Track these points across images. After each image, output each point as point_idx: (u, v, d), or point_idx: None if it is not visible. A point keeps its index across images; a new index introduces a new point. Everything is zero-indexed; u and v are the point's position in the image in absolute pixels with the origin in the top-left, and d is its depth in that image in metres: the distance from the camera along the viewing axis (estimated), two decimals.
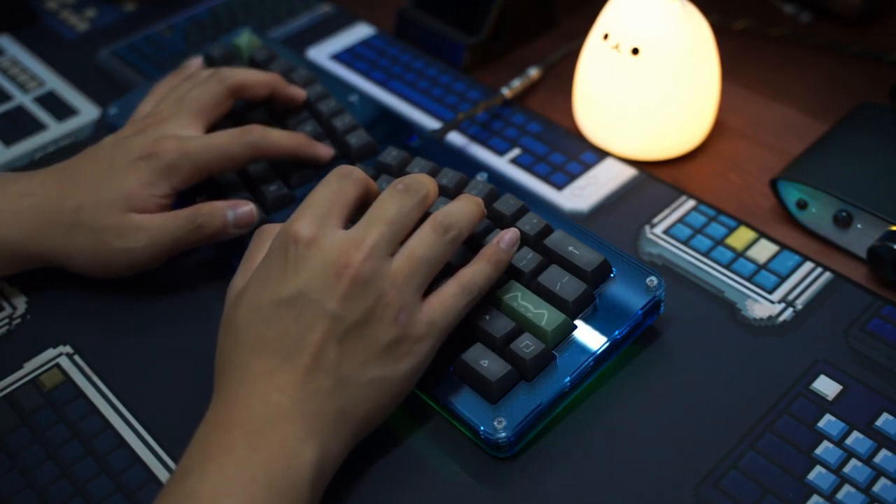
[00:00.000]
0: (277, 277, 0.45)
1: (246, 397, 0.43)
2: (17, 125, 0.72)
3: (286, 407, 0.43)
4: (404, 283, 0.45)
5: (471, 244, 0.52)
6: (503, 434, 0.46)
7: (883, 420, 0.48)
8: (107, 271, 0.56)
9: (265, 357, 0.44)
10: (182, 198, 0.57)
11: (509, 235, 0.50)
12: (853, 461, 0.47)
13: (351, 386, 0.44)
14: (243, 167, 0.58)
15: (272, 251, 0.46)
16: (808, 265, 0.57)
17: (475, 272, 0.48)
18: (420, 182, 0.48)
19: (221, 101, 0.59)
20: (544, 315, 0.49)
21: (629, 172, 0.64)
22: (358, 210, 0.48)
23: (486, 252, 0.49)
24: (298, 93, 0.63)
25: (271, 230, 0.50)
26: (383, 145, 0.63)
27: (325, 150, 0.61)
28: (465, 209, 0.49)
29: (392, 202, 0.47)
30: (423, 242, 0.46)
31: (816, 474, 0.46)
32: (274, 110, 0.64)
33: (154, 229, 0.54)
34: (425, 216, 0.49)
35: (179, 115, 0.57)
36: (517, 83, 0.70)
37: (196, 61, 0.67)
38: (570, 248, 0.52)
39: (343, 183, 0.48)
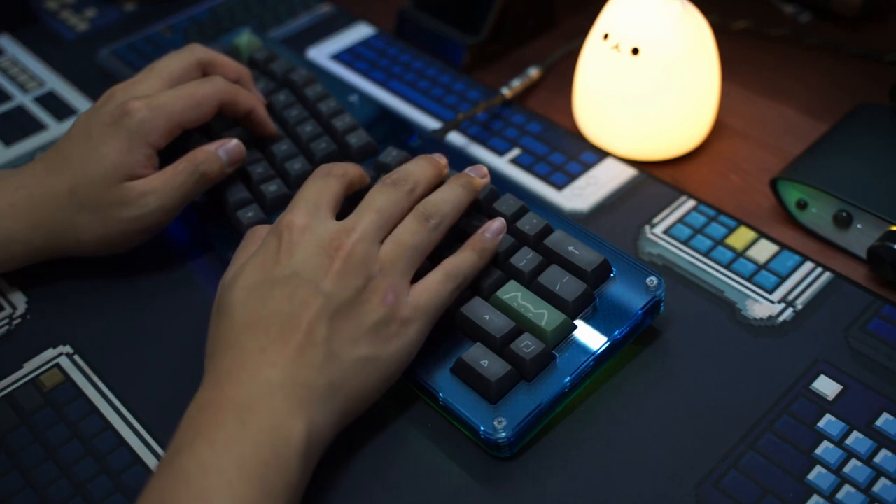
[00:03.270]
0: (272, 261, 0.47)
1: (239, 373, 0.44)
2: (17, 125, 0.72)
3: (276, 381, 0.44)
4: (391, 267, 0.47)
5: (461, 235, 0.52)
6: (503, 434, 0.46)
7: (883, 420, 0.48)
8: (121, 244, 0.56)
9: (258, 334, 0.45)
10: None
11: (495, 225, 0.51)
12: (853, 461, 0.47)
13: (340, 362, 0.45)
14: (212, 116, 0.57)
15: (267, 240, 0.48)
16: (808, 265, 0.57)
17: (460, 260, 0.49)
18: (407, 175, 0.51)
19: (190, 70, 0.59)
20: (544, 315, 0.49)
21: (629, 172, 0.64)
22: (349, 203, 0.50)
23: (472, 241, 0.51)
24: (259, 95, 0.63)
25: (263, 230, 0.51)
26: (383, 145, 0.63)
27: (272, 126, 0.62)
28: (449, 196, 0.51)
29: (381, 194, 0.49)
30: (408, 230, 0.48)
31: (816, 474, 0.46)
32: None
33: (160, 190, 0.54)
34: None
35: (147, 80, 0.57)
36: (517, 83, 0.70)
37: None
38: (570, 248, 0.52)
39: (326, 180, 0.51)
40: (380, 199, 0.49)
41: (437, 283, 0.48)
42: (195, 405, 0.44)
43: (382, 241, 0.48)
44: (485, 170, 0.54)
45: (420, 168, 0.51)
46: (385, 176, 0.50)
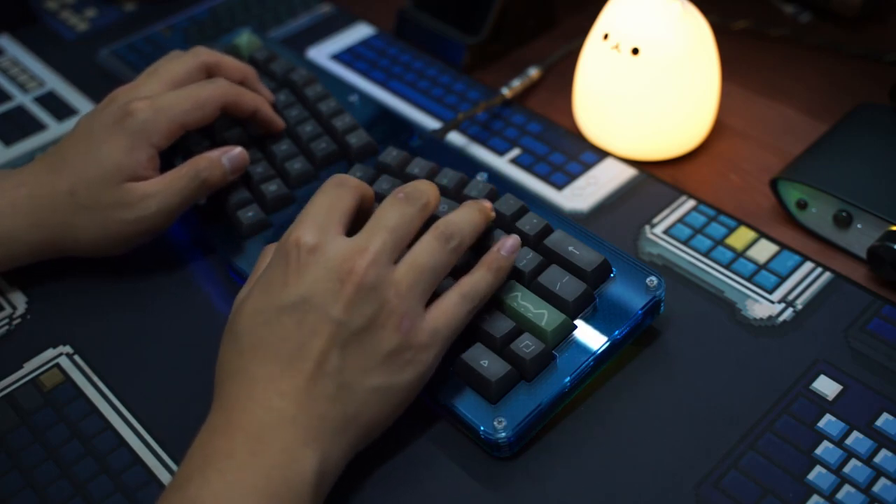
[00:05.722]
0: (280, 283, 0.45)
1: (247, 402, 0.43)
2: (17, 125, 0.72)
3: (288, 413, 0.43)
4: (408, 291, 0.45)
5: (473, 247, 0.52)
6: (503, 434, 0.46)
7: (883, 420, 0.48)
8: (120, 245, 0.56)
9: (267, 362, 0.44)
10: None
11: (510, 242, 0.50)
12: (853, 461, 0.47)
13: (354, 393, 0.44)
14: (216, 117, 0.57)
15: (275, 258, 0.46)
16: (808, 265, 0.57)
17: (476, 280, 0.48)
18: (420, 190, 0.48)
19: (193, 73, 0.59)
20: (544, 315, 0.49)
21: (629, 172, 0.64)
22: (357, 219, 0.48)
23: (487, 259, 0.49)
24: (266, 92, 0.63)
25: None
26: (383, 145, 0.63)
27: (280, 122, 0.62)
28: (467, 217, 0.49)
29: (393, 210, 0.47)
30: (426, 250, 0.46)
31: (816, 474, 0.46)
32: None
33: (161, 193, 0.54)
34: (427, 224, 0.49)
35: (150, 83, 0.57)
36: (517, 83, 0.70)
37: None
38: (570, 248, 0.52)
39: (339, 191, 0.48)
40: (392, 217, 0.46)
41: (453, 305, 0.47)
42: (206, 430, 0.43)
43: (396, 261, 0.46)
44: (490, 204, 0.52)
45: (429, 185, 0.49)
46: (396, 190, 0.48)
